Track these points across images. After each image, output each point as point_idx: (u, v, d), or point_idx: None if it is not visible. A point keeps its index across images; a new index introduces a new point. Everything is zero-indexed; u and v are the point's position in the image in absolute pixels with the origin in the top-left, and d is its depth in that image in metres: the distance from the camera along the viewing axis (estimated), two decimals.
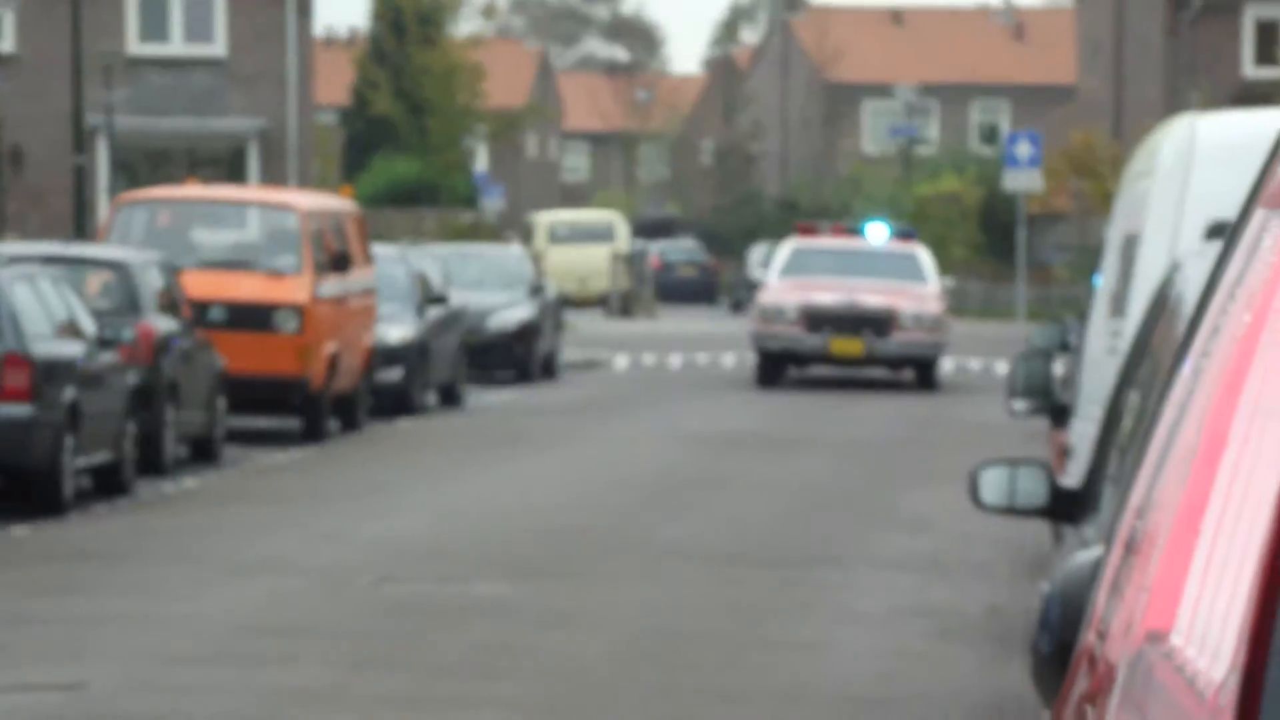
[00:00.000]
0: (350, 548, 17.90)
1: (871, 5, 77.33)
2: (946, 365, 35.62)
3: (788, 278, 30.83)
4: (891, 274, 30.82)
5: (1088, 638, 2.55)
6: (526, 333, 33.77)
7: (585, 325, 47.21)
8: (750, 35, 79.14)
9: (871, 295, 29.41)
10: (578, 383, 36.93)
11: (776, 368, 30.01)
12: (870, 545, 19.30)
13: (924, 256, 31.77)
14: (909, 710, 13.17)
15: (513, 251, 39.31)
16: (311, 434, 24.23)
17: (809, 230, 34.24)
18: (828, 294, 29.35)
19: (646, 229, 61.66)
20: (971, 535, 18.40)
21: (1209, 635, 1.86)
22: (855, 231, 33.58)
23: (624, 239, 55.80)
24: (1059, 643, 3.05)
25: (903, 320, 28.80)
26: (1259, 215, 2.22)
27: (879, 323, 28.78)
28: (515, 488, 22.25)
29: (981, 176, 51.34)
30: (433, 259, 31.27)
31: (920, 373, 30.41)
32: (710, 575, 17.50)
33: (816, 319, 28.69)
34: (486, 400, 32.60)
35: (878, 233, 32.90)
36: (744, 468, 24.41)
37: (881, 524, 20.50)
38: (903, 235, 33.51)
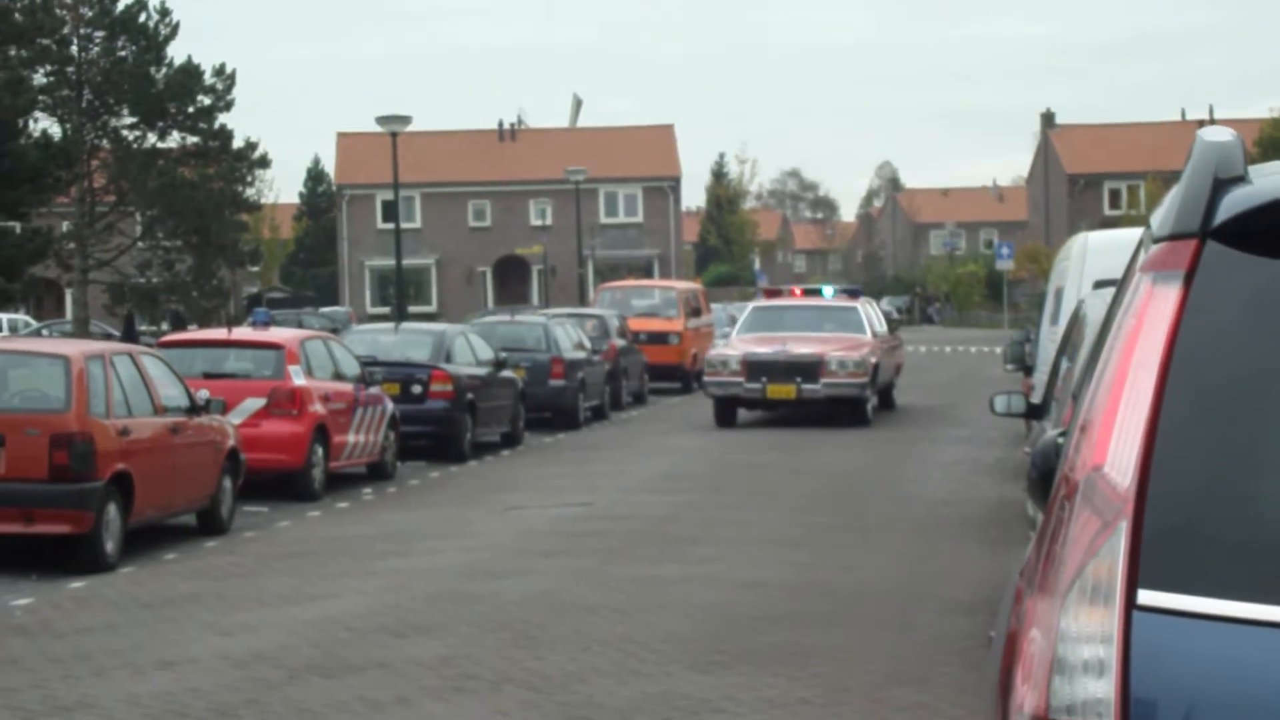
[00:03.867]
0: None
1: (929, 186, 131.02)
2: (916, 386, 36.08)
3: (746, 333, 30.29)
4: (834, 326, 30.27)
5: (1063, 469, 3.28)
6: None
7: None
8: (878, 202, 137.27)
9: (804, 346, 28.56)
10: None
11: (728, 410, 28.95)
12: (941, 432, 28.55)
13: (864, 310, 31.60)
14: (964, 504, 19.01)
15: None
16: (685, 389, 37.91)
17: (773, 293, 34.58)
18: (765, 346, 28.69)
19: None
20: (988, 427, 25.79)
21: (1120, 465, 2.94)
22: (815, 292, 33.63)
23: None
24: (1040, 473, 4.00)
25: (829, 365, 27.90)
26: (1134, 275, 3.25)
27: (808, 369, 27.95)
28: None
29: (986, 263, 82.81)
30: (738, 310, 42.55)
31: (850, 410, 28.46)
32: (872, 444, 25.95)
33: (755, 368, 28.08)
34: None
35: (828, 293, 33.14)
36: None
37: (945, 425, 29.98)
38: (848, 293, 33.45)
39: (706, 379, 29.59)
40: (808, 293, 33.54)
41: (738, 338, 30.39)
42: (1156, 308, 3.09)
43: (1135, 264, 3.44)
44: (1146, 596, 2.90)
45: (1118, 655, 2.88)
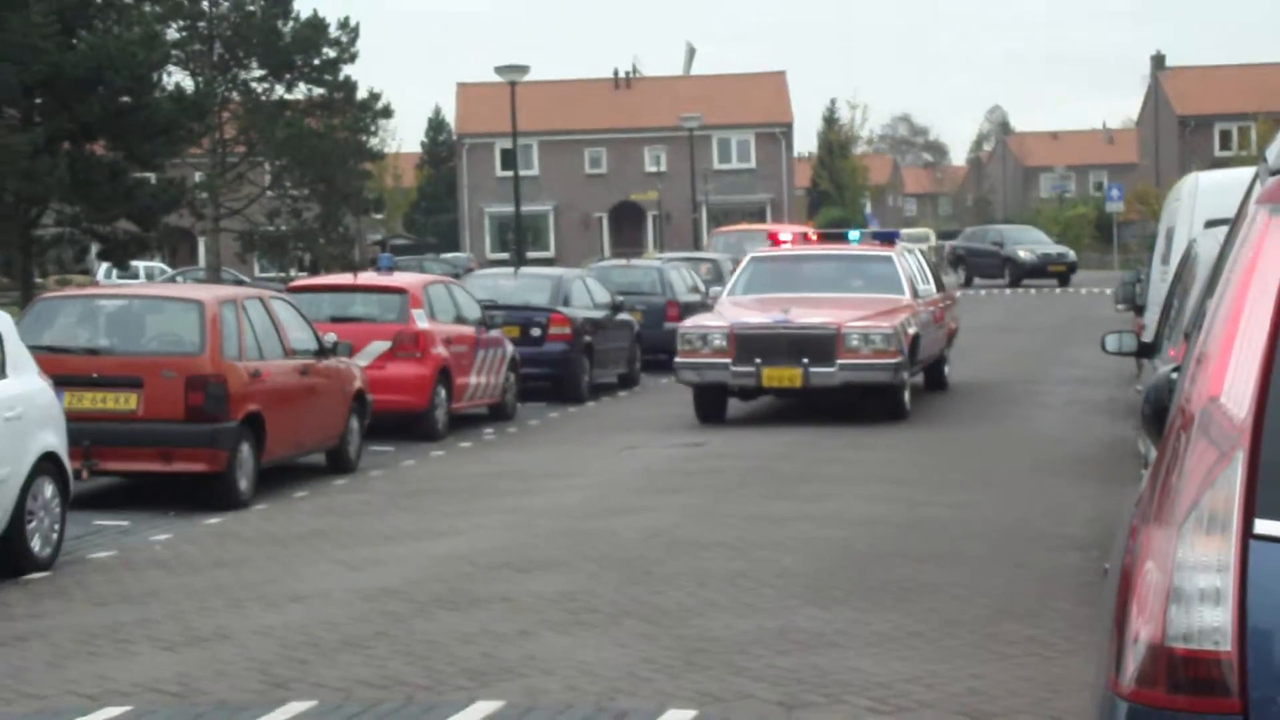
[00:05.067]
0: None
1: (1039, 130, 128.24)
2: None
3: (742, 294, 21.68)
4: (862, 284, 21.73)
5: (1178, 402, 3.29)
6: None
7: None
8: (988, 146, 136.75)
9: (814, 313, 20.06)
10: None
11: (713, 401, 20.63)
12: (1052, 373, 27.62)
13: (902, 261, 22.32)
14: (1075, 443, 18.88)
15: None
16: None
17: (778, 240, 24.41)
18: (761, 314, 20.27)
19: (942, 236, 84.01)
20: (1100, 367, 25.63)
21: (1236, 396, 2.95)
22: (838, 237, 24.81)
23: (932, 239, 78.41)
24: (1154, 408, 3.96)
25: (849, 341, 19.48)
26: (1249, 210, 3.24)
27: (818, 346, 19.57)
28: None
29: (1096, 206, 79.68)
30: None
31: (880, 400, 20.43)
32: (982, 391, 24.93)
33: (747, 344, 19.72)
34: None
35: (854, 238, 24.04)
36: (994, 338, 32.63)
37: (1052, 364, 29.10)
38: (880, 238, 24.48)
39: (679, 361, 20.47)
40: (827, 238, 24.81)
41: (729, 300, 21.60)
42: (1274, 237, 3.07)
43: (1250, 198, 3.44)
44: (1263, 526, 2.90)
45: (1234, 584, 2.88)
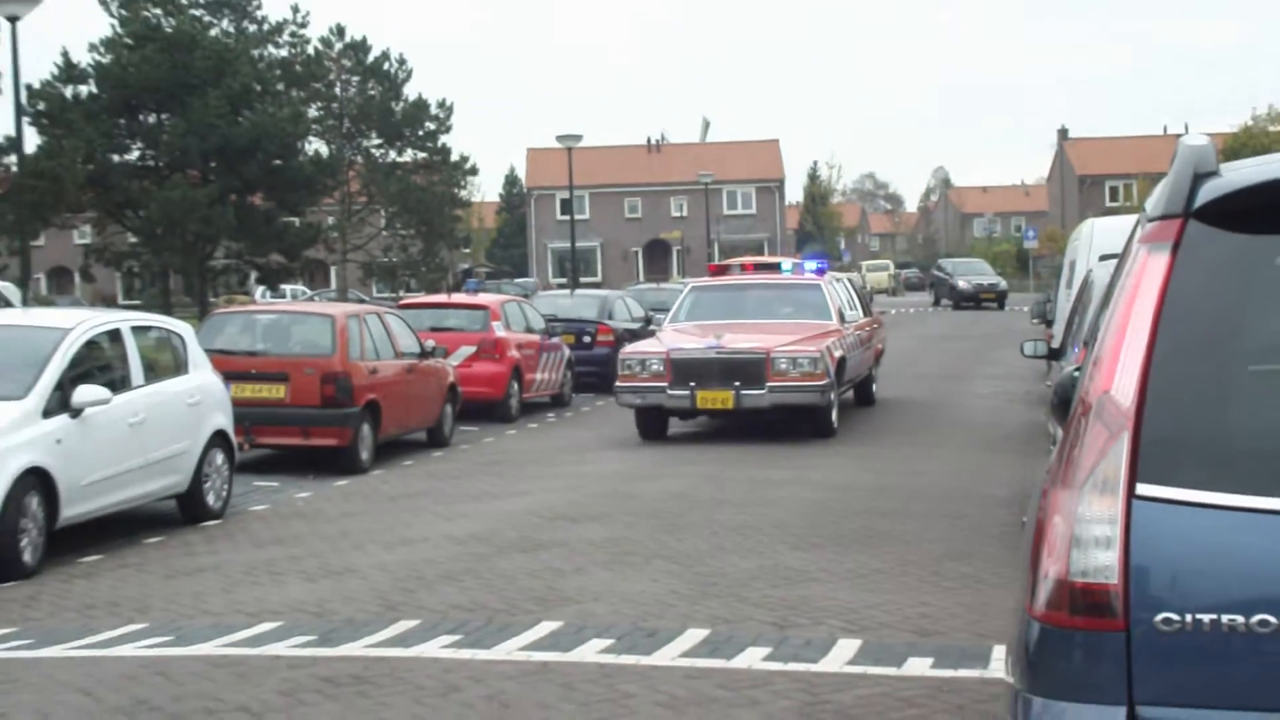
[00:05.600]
0: None
1: (973, 184, 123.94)
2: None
3: (684, 321, 18.42)
4: (792, 310, 18.47)
5: (1079, 395, 3.21)
6: None
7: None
8: (934, 196, 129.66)
9: (744, 339, 17.00)
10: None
11: (654, 422, 17.30)
12: (979, 370, 26.76)
13: (830, 289, 18.95)
14: (1002, 426, 18.22)
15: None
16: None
17: (721, 270, 20.99)
18: (696, 339, 17.17)
19: (900, 266, 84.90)
20: (1019, 366, 24.89)
21: (1123, 389, 2.94)
22: (772, 267, 20.61)
23: (891, 268, 78.71)
24: (1060, 399, 3.85)
25: (777, 365, 16.42)
26: (1133, 247, 3.25)
27: (747, 370, 16.48)
28: None
29: (1016, 243, 79.09)
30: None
31: (809, 419, 16.93)
32: (929, 383, 23.86)
33: (682, 369, 16.60)
34: None
35: (787, 267, 20.30)
36: (939, 344, 33.47)
37: (983, 364, 28.06)
38: (813, 267, 20.13)
39: (619, 386, 17.01)
40: (760, 268, 20.53)
41: (671, 327, 18.38)
42: (1151, 270, 3.08)
43: (1133, 239, 3.45)
44: (1143, 489, 2.90)
45: (1121, 533, 2.89)
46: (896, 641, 7.32)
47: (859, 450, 15.94)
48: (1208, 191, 3.09)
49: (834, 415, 17.12)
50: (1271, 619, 2.78)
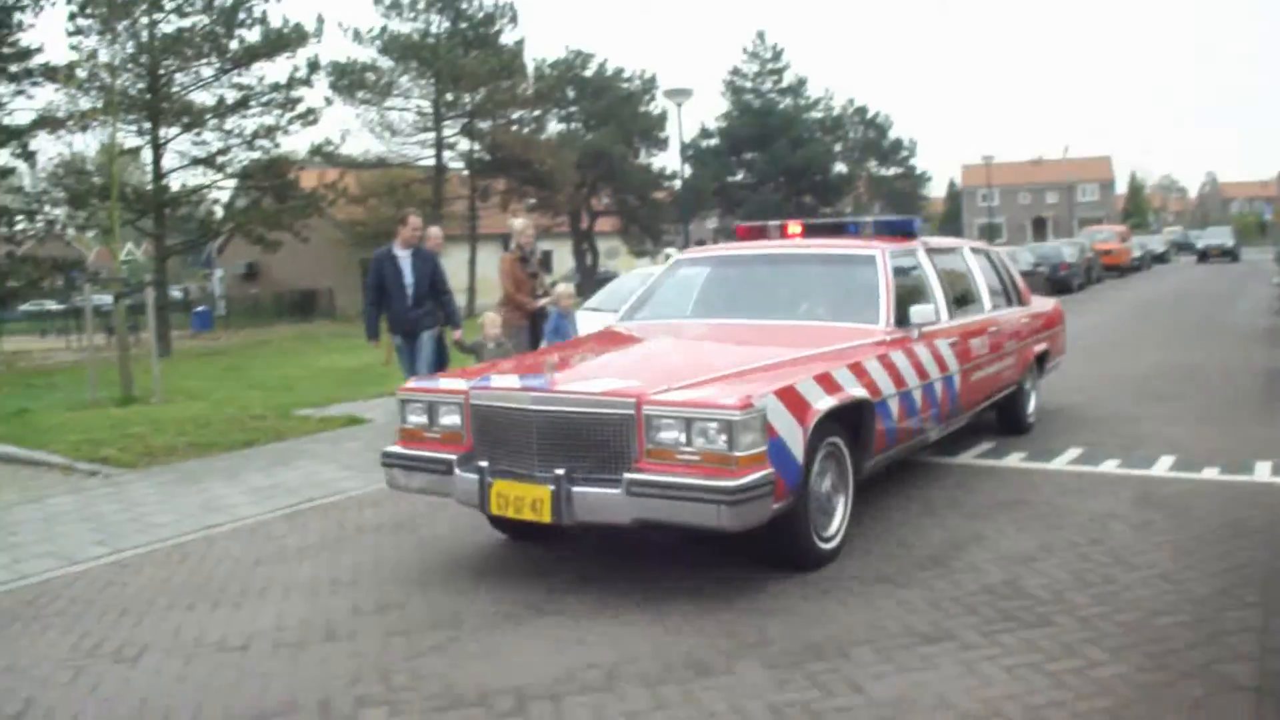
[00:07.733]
0: None
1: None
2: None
3: (636, 320, 9.19)
4: (823, 302, 8.56)
5: None
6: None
7: None
8: (1208, 188, 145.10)
9: (632, 364, 7.38)
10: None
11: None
12: (1237, 301, 27.61)
13: (892, 262, 8.70)
14: (1252, 329, 19.88)
15: None
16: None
17: (750, 234, 10.19)
18: (534, 370, 7.50)
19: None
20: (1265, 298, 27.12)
21: None
22: (836, 229, 9.97)
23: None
24: None
25: (655, 431, 6.37)
26: None
27: (589, 439, 6.59)
28: None
29: (1258, 216, 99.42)
30: None
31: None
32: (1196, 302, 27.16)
33: (483, 430, 7.15)
34: None
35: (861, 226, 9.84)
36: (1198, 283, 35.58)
37: (1234, 300, 28.28)
38: (894, 229, 9.68)
39: (387, 455, 7.59)
40: (816, 231, 10.12)
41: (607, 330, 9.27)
42: None
43: None
44: None
45: None
46: (1195, 459, 9.28)
47: (1160, 340, 17.72)
48: None
49: (839, 526, 7.60)
50: None
